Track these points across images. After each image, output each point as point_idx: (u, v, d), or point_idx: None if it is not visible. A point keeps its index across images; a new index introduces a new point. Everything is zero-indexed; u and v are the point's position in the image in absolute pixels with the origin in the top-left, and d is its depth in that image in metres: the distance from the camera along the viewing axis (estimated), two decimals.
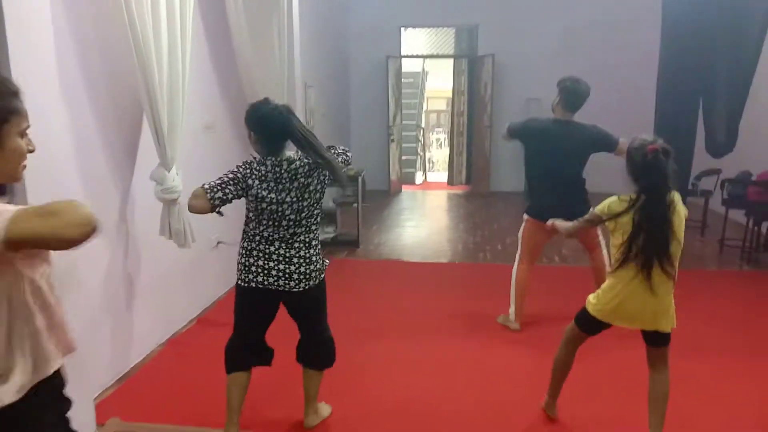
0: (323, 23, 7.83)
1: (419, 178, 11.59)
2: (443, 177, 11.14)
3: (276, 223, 2.44)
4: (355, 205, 6.49)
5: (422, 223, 7.88)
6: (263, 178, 2.40)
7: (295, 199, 2.42)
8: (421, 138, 12.04)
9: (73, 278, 2.62)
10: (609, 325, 2.55)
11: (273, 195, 2.40)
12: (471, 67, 9.91)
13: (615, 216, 2.42)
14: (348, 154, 2.70)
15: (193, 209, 2.40)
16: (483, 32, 9.48)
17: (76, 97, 2.82)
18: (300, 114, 6.31)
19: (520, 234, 4.01)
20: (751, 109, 5.82)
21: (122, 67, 3.06)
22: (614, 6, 8.60)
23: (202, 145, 4.21)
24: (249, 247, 2.49)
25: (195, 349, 3.67)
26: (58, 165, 2.41)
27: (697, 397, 3.07)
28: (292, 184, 2.41)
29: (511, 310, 3.99)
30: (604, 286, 2.54)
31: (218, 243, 4.46)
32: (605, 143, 3.75)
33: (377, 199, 8.92)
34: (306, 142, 2.39)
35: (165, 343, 3.72)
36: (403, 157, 10.51)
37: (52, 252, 1.40)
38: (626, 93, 8.43)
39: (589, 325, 2.60)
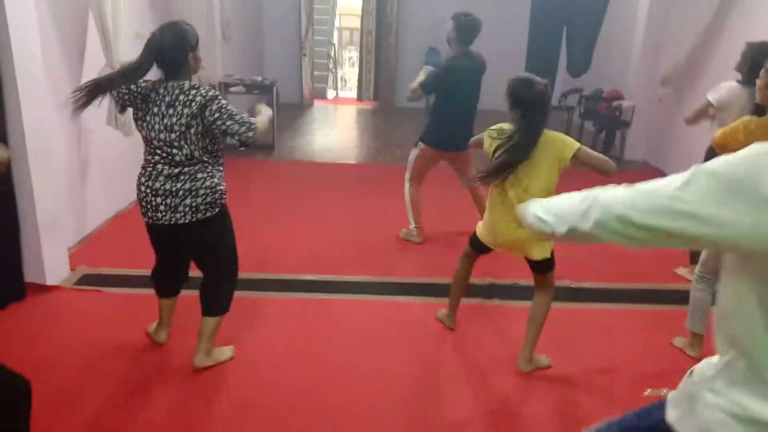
0: None
1: (331, 94, 12.26)
2: (354, 94, 11.89)
3: (153, 152, 2.40)
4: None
5: (332, 132, 8.72)
6: (144, 98, 2.37)
7: (173, 131, 2.32)
8: (333, 54, 12.57)
9: (44, 156, 3.31)
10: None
11: (149, 119, 2.35)
12: None
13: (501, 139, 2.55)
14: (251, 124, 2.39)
15: None
16: None
17: (40, 7, 3.38)
18: (216, 24, 6.82)
19: (412, 158, 4.20)
20: (605, 37, 6.99)
21: None
22: None
23: (135, 53, 4.77)
24: (138, 182, 2.47)
25: (139, 223, 4.42)
26: (32, 58, 3.06)
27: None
28: (170, 111, 2.32)
29: (412, 225, 4.31)
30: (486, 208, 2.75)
31: None
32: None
33: (290, 111, 9.60)
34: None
35: (112, 218, 4.46)
36: (315, 73, 11.10)
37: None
38: (504, 22, 9.37)
39: (476, 244, 2.87)
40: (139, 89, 2.38)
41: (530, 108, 2.48)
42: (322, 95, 11.68)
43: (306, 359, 2.83)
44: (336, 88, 12.73)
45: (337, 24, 13.70)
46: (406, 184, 4.30)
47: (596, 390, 2.70)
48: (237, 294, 2.73)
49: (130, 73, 2.33)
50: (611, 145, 7.07)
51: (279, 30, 10.23)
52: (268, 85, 7.07)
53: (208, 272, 2.64)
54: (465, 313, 3.23)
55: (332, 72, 12.56)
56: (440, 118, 4.07)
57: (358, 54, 13.65)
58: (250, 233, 4.04)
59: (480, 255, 2.93)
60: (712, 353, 1.11)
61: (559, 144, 2.50)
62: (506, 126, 2.60)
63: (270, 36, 10.31)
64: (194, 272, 2.70)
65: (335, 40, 13.28)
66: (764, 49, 3.35)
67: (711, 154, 3.74)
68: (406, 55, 10.40)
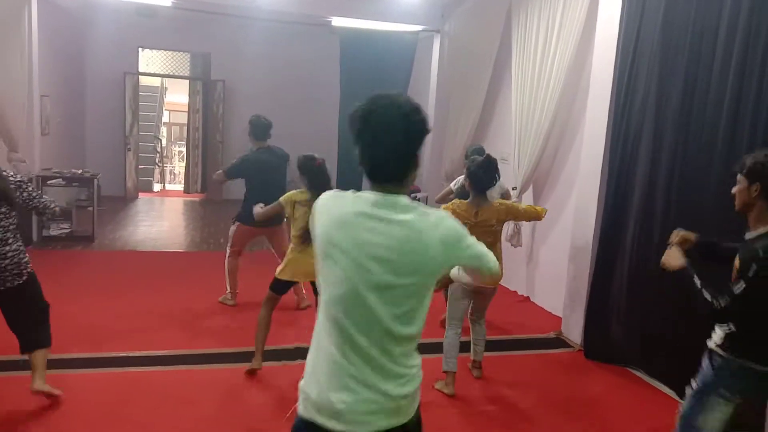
0: (61, 38, 8.41)
1: (157, 186, 12.38)
2: (182, 187, 12.14)
3: None
4: (90, 208, 7.30)
5: (157, 222, 8.93)
6: None
7: None
8: (158, 149, 12.81)
9: None
10: (294, 282, 3.75)
11: None
12: (205, 88, 11.20)
13: (294, 204, 3.59)
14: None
15: None
16: (215, 59, 10.87)
17: None
18: (36, 120, 6.95)
19: (231, 234, 5.13)
20: None
21: None
22: (313, 51, 10.56)
23: None
24: None
25: None
26: None
27: None
28: None
29: (228, 290, 5.15)
30: (286, 258, 3.68)
31: None
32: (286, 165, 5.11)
33: (113, 204, 9.62)
34: None
35: None
36: (141, 166, 11.24)
37: None
38: (318, 117, 10.52)
39: (279, 287, 3.71)
40: None
41: (313, 176, 3.46)
42: (148, 188, 11.78)
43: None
44: (163, 182, 12.88)
45: (166, 119, 14.03)
46: (227, 256, 5.12)
47: None
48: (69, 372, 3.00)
49: None
50: None
51: (103, 125, 10.35)
52: (89, 177, 7.23)
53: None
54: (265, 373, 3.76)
55: (158, 166, 12.76)
56: (251, 201, 4.66)
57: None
58: (70, 316, 4.23)
59: (280, 297, 3.75)
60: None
61: None
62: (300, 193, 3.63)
63: (93, 131, 10.37)
64: None
65: (163, 135, 13.57)
66: (474, 152, 4.62)
67: None
68: (232, 149, 11.03)
